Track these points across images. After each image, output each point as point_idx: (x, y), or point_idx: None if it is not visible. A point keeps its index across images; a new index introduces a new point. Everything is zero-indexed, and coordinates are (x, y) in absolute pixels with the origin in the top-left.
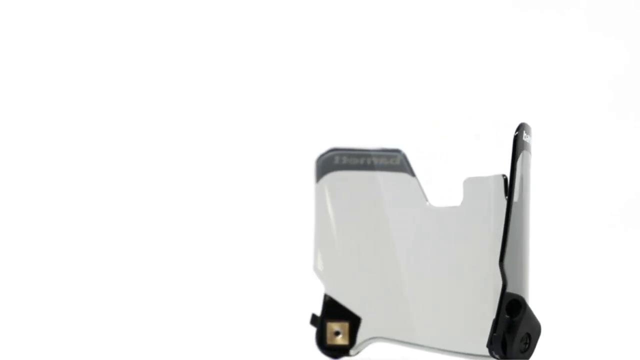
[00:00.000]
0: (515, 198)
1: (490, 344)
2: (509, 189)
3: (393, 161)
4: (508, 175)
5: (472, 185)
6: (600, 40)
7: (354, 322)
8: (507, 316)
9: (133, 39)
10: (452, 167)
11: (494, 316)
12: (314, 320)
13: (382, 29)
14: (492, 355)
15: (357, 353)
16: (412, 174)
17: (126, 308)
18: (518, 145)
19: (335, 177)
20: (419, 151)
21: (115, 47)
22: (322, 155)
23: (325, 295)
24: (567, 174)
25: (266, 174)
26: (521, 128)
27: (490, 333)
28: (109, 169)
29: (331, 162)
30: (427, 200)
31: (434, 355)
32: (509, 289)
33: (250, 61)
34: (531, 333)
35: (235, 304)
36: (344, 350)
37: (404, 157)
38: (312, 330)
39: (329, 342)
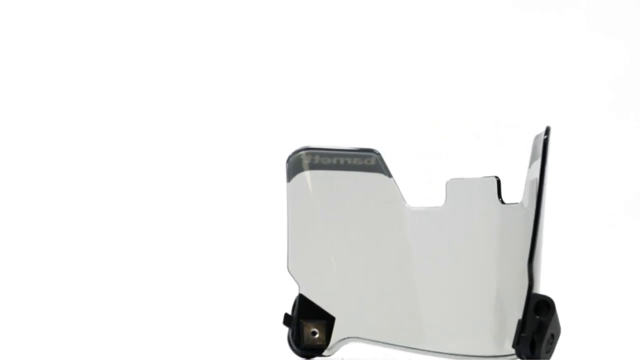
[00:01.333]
0: (528, 202)
1: (518, 344)
2: (537, 192)
3: (367, 161)
4: (501, 178)
5: (455, 186)
6: (600, 40)
7: (329, 321)
8: (537, 317)
9: (107, 39)
10: (452, 167)
11: (474, 316)
12: (287, 320)
13: (382, 28)
14: (519, 355)
15: (332, 354)
16: (389, 174)
17: (101, 309)
18: (548, 149)
19: (307, 177)
20: (419, 151)
21: (90, 46)
22: (293, 154)
23: (300, 295)
24: (567, 174)
25: (259, 172)
26: (549, 132)
27: (517, 333)
28: (87, 167)
29: (303, 162)
30: (405, 201)
31: (410, 354)
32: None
33: (254, 60)
34: (554, 334)
35: (208, 303)
36: (319, 350)
37: (380, 158)
38: (284, 329)
39: (307, 342)
